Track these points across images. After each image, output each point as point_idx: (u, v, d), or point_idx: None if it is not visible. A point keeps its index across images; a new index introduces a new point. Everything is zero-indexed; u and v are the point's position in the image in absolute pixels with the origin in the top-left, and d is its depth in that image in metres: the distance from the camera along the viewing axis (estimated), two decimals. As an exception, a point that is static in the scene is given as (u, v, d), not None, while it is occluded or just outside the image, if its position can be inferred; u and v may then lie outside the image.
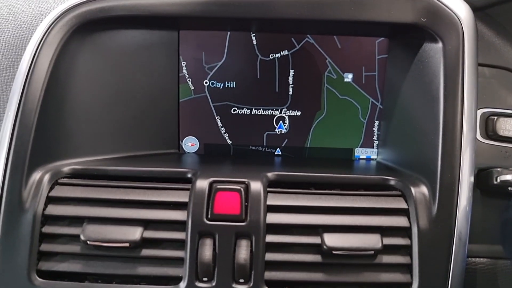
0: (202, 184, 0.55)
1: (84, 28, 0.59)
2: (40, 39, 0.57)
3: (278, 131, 0.69)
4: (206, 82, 0.67)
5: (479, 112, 0.62)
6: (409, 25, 0.59)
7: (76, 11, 0.58)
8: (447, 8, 0.58)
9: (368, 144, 0.69)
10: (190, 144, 0.69)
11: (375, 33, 0.65)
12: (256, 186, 0.56)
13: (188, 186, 0.56)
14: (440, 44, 0.58)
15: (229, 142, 0.69)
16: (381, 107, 0.68)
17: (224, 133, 0.69)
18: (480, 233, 0.60)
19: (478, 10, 0.62)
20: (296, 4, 0.59)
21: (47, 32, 0.57)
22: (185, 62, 0.67)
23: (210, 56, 0.67)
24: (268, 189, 0.57)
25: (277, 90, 0.67)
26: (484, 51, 0.63)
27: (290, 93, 0.67)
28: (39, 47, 0.57)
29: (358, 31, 0.65)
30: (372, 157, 0.70)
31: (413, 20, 0.58)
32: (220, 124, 0.68)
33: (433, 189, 0.56)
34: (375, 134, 0.69)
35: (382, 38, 0.66)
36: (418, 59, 0.61)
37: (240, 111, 0.68)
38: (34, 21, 0.64)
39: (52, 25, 0.58)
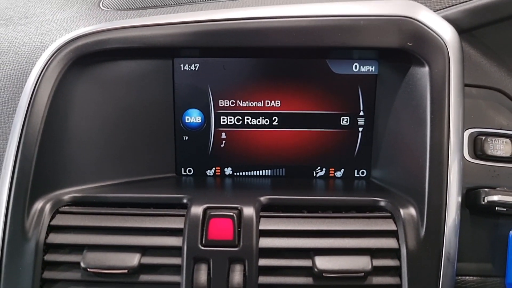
0: (197, 210, 0.57)
1: (81, 61, 0.61)
2: (39, 73, 0.60)
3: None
4: (203, 107, 0.69)
5: (467, 132, 0.63)
6: (396, 49, 0.60)
7: (73, 45, 0.61)
8: (432, 32, 0.59)
9: (361, 163, 0.71)
10: (188, 167, 0.71)
11: (364, 57, 0.67)
12: (248, 211, 0.57)
13: (183, 212, 0.58)
14: (426, 68, 0.59)
15: (225, 163, 0.71)
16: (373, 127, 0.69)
17: (220, 155, 0.71)
18: (469, 251, 0.62)
19: (464, 32, 0.63)
20: (286, 32, 0.61)
21: (46, 67, 0.60)
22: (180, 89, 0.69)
23: (202, 81, 0.69)
24: (261, 213, 0.59)
25: (271, 112, 0.69)
26: (471, 71, 0.64)
27: (283, 113, 0.69)
28: (38, 81, 0.59)
29: (348, 55, 0.67)
30: (365, 176, 0.71)
31: (399, 44, 0.60)
32: (216, 147, 0.70)
33: (421, 211, 0.57)
34: (369, 153, 0.70)
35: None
36: (406, 81, 0.63)
37: (236, 135, 0.70)
38: (34, 53, 0.66)
39: (50, 59, 0.60)
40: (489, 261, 0.62)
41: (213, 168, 0.71)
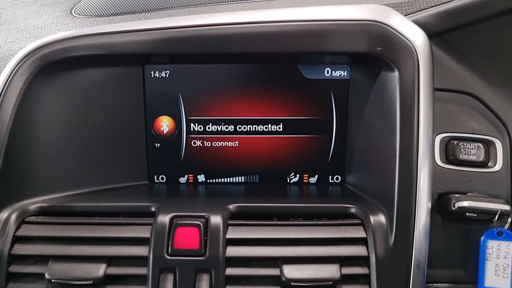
0: (163, 219, 0.57)
1: (48, 69, 0.61)
2: (4, 82, 0.59)
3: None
4: (174, 114, 0.68)
5: (439, 137, 0.62)
6: (366, 54, 0.59)
7: (39, 52, 0.60)
8: (401, 36, 0.59)
9: (335, 169, 0.70)
10: (160, 174, 0.71)
11: (336, 62, 0.66)
12: (215, 220, 0.57)
13: (150, 221, 0.58)
14: (396, 72, 0.58)
15: (198, 170, 0.70)
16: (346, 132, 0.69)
17: (193, 162, 0.70)
18: (441, 258, 0.61)
19: (435, 36, 0.63)
20: (254, 38, 0.60)
21: (11, 75, 0.59)
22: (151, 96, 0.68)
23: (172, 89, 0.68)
24: (229, 221, 0.58)
25: (243, 118, 0.69)
26: (442, 76, 0.63)
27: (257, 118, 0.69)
28: (4, 90, 0.59)
29: (319, 60, 0.66)
30: (339, 182, 0.70)
31: (368, 49, 0.59)
32: (188, 154, 0.69)
33: (391, 217, 0.57)
34: (343, 159, 0.69)
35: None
36: (377, 86, 0.62)
37: (208, 142, 0.69)
38: (2, 61, 0.65)
39: (16, 68, 0.59)
40: (460, 268, 0.61)
41: (186, 175, 0.71)
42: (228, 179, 0.71)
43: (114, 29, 0.62)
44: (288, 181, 0.71)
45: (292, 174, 0.70)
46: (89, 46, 0.61)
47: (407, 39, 0.58)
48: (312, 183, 0.71)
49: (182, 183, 0.71)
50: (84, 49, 0.61)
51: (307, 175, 0.70)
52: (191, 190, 0.69)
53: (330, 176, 0.70)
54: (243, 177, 0.71)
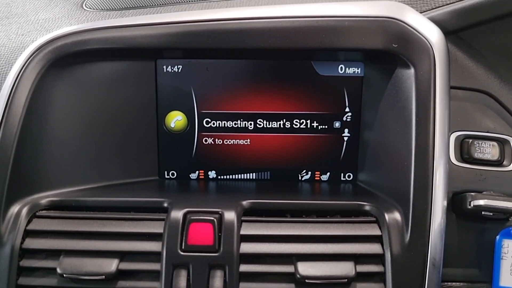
0: (177, 215, 0.56)
1: (60, 62, 0.60)
2: (16, 74, 0.58)
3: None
4: (186, 109, 0.68)
5: (454, 135, 0.62)
6: (381, 51, 0.59)
7: (52, 45, 0.60)
8: (418, 34, 0.58)
9: (347, 166, 0.70)
10: (171, 170, 0.70)
11: (350, 58, 0.66)
12: (229, 216, 0.56)
13: (163, 216, 0.57)
14: (412, 70, 0.58)
15: (209, 167, 0.70)
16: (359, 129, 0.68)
17: (204, 158, 0.69)
18: (456, 256, 0.60)
19: (450, 33, 0.62)
20: (269, 33, 0.60)
21: (24, 68, 0.59)
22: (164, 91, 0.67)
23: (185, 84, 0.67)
24: (243, 217, 0.57)
25: (255, 115, 0.68)
26: (457, 74, 0.63)
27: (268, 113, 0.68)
28: (16, 83, 0.58)
29: (333, 57, 0.66)
30: (351, 179, 0.70)
31: (384, 46, 0.59)
32: (199, 149, 0.69)
33: (406, 215, 0.56)
34: (355, 156, 0.69)
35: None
36: (392, 84, 0.62)
37: (220, 138, 0.69)
38: (14, 54, 0.65)
39: (29, 60, 0.59)
40: (475, 267, 0.61)
41: (197, 172, 0.70)
42: (239, 175, 0.70)
43: (127, 23, 0.61)
44: (300, 178, 0.70)
45: (304, 171, 0.70)
46: (101, 40, 0.60)
47: (424, 36, 0.58)
48: (324, 181, 0.70)
49: (193, 179, 0.70)
50: (97, 43, 0.60)
51: (318, 173, 0.70)
52: (202, 186, 0.68)
53: (342, 174, 0.70)
54: (254, 174, 0.70)
